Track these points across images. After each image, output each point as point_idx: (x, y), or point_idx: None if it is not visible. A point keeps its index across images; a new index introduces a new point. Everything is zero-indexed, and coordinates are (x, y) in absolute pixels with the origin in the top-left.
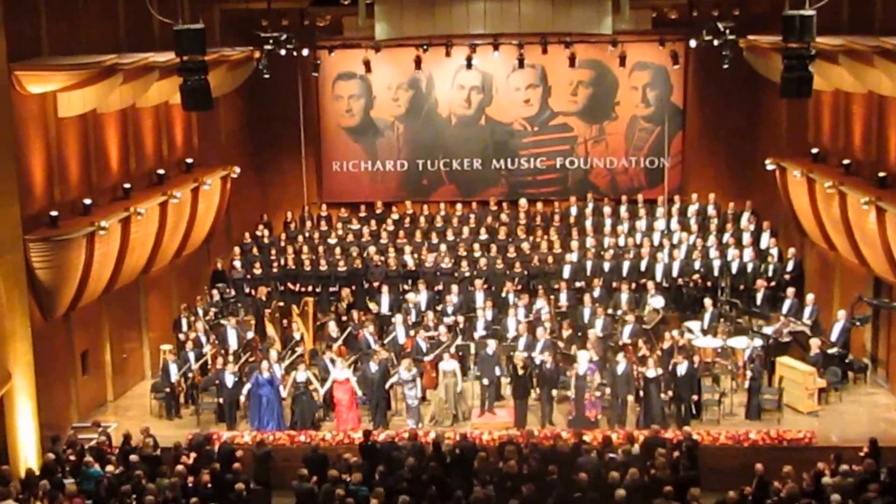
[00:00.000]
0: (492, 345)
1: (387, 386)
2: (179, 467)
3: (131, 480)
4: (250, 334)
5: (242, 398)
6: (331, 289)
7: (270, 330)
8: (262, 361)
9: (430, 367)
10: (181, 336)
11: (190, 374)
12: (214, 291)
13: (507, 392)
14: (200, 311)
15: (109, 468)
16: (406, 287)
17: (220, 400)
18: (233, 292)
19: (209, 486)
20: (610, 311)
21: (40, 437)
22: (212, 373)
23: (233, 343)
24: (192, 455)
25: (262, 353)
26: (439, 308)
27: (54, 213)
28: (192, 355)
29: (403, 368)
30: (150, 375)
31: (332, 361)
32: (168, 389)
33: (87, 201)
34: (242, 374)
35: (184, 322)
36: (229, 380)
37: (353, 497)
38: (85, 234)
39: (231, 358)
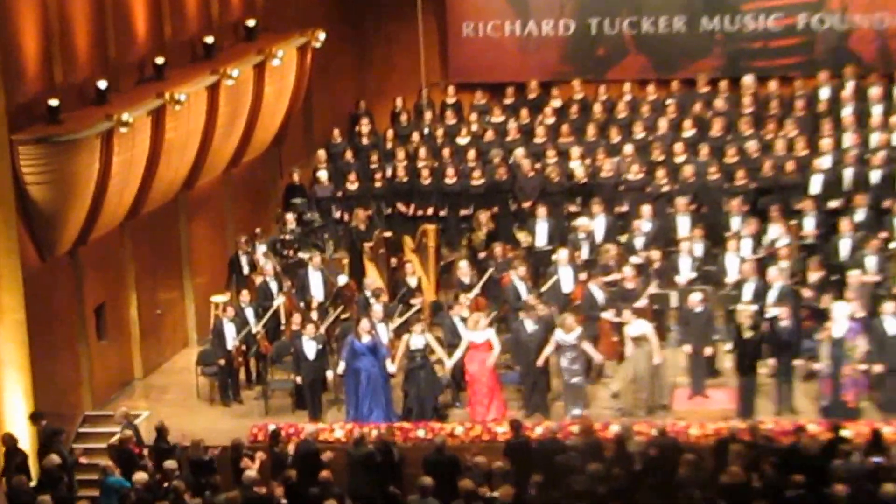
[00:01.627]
0: (702, 294)
1: (542, 357)
2: (246, 474)
3: (169, 495)
4: (343, 279)
5: (331, 375)
6: (462, 212)
7: (372, 273)
8: (360, 320)
9: (610, 329)
10: (240, 283)
11: (254, 339)
12: (289, 216)
13: (727, 365)
14: (267, 246)
15: (139, 476)
16: (573, 208)
17: (299, 378)
18: (316, 216)
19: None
20: (881, 242)
21: (37, 430)
22: (286, 337)
23: (317, 292)
24: (259, 458)
25: (359, 308)
26: (623, 239)
27: (54, 103)
28: (252, 313)
29: (565, 330)
30: (197, 341)
31: (464, 320)
32: (222, 362)
33: (102, 84)
34: (331, 338)
35: (244, 261)
36: (311, 348)
37: None
38: (98, 132)
39: (314, 315)
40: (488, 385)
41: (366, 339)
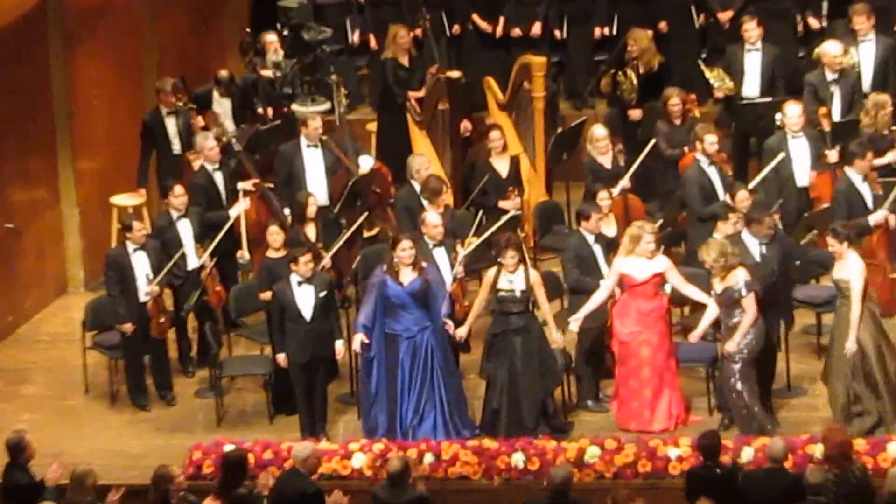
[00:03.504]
0: None
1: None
2: None
3: None
4: (367, 161)
5: (342, 348)
6: (593, 29)
7: (423, 146)
8: (398, 242)
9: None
10: (165, 171)
11: (192, 281)
12: (269, 37)
13: None
14: (223, 89)
15: None
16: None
17: (280, 357)
18: (324, 32)
19: None
20: None
21: None
22: (254, 276)
23: (316, 186)
24: None
25: (398, 217)
26: None
27: None
28: (189, 231)
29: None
30: (84, 283)
31: (603, 241)
32: (129, 326)
33: None
34: (344, 278)
35: (171, 128)
36: (305, 297)
37: None
38: None
39: (311, 231)
40: (657, 365)
41: (409, 277)
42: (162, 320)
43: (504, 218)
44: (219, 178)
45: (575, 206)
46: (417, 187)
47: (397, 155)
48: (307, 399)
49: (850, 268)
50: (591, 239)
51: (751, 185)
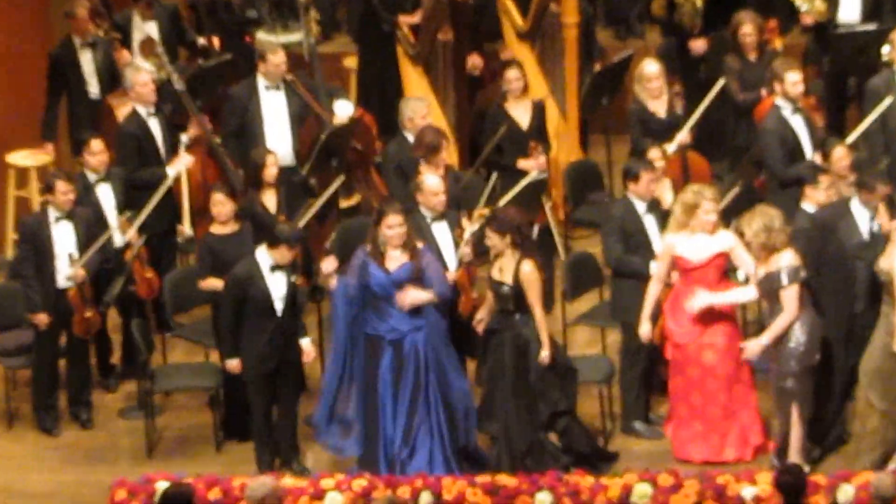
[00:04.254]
0: None
1: None
2: None
3: None
4: (344, 107)
5: (311, 348)
6: None
7: (420, 88)
8: (385, 214)
9: None
10: (79, 120)
11: (118, 263)
12: None
13: None
14: (137, 20)
15: None
16: None
17: (233, 362)
18: None
19: None
20: None
21: None
22: (197, 257)
23: (277, 140)
24: None
25: (388, 183)
26: None
27: None
28: (112, 197)
29: None
30: None
31: (658, 211)
32: (44, 318)
33: None
34: (317, 262)
35: (86, 65)
36: (276, 286)
37: None
38: None
39: (270, 200)
40: (726, 375)
41: (398, 262)
42: (88, 314)
43: (524, 182)
44: (155, 125)
45: (618, 166)
46: (411, 141)
47: (384, 99)
48: (269, 420)
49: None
50: (641, 207)
51: (849, 139)
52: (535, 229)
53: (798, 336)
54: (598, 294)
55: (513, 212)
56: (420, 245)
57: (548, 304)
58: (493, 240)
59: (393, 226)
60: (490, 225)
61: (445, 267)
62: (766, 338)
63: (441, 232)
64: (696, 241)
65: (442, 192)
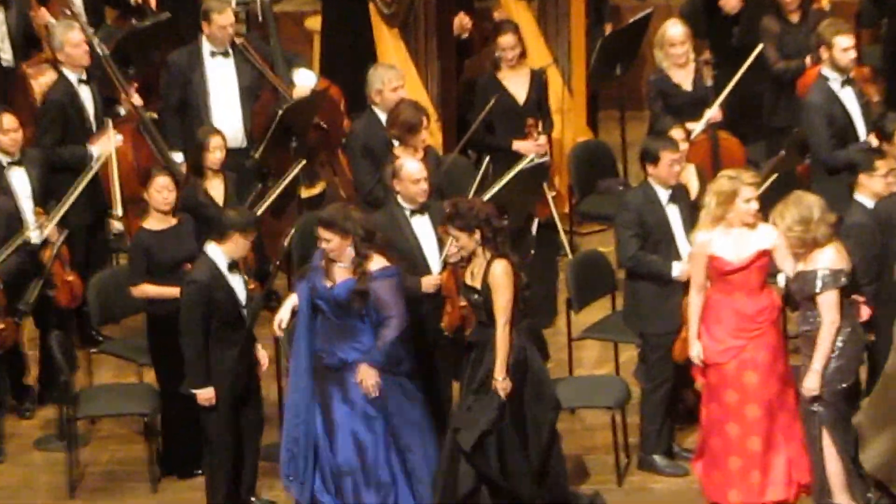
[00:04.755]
0: None
1: None
2: None
3: None
4: (305, 77)
5: (265, 358)
6: None
7: (396, 54)
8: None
9: None
10: None
11: (34, 266)
12: None
13: None
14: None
15: None
16: None
17: (207, 392)
18: None
19: None
20: None
21: None
22: (129, 259)
23: (225, 118)
24: None
25: (351, 161)
26: None
27: None
28: (27, 176)
29: None
30: None
31: (681, 202)
32: None
33: None
34: (274, 268)
35: None
36: (240, 289)
37: None
38: None
39: (216, 189)
40: (769, 401)
41: (342, 276)
42: (1, 326)
43: (518, 167)
44: (86, 95)
45: (634, 148)
46: (383, 118)
47: (354, 68)
48: (217, 453)
49: None
50: (662, 195)
51: None
52: (535, 224)
53: (843, 350)
54: (611, 302)
55: (478, 203)
56: (380, 268)
57: (549, 315)
58: (460, 240)
59: (327, 240)
60: (452, 222)
61: (398, 305)
62: (817, 363)
63: (422, 227)
64: (734, 237)
65: (424, 180)
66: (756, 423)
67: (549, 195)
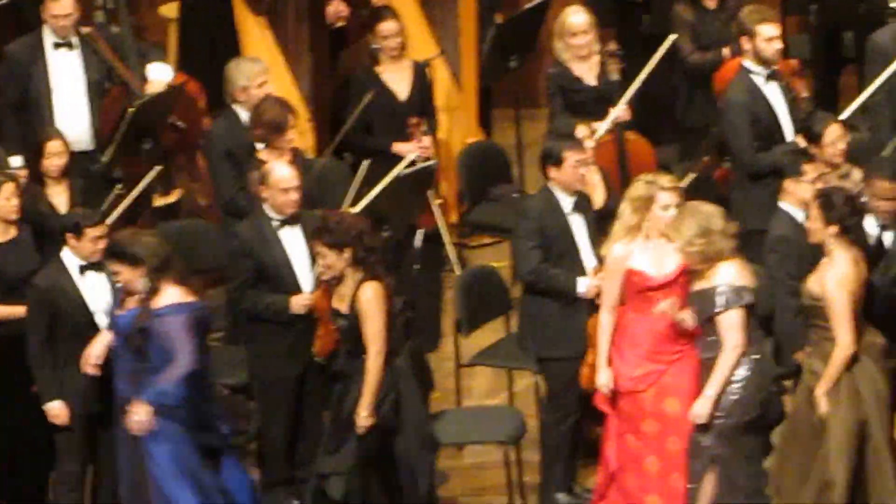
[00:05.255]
0: None
1: None
2: None
3: None
4: (164, 76)
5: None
6: None
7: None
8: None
9: None
10: None
11: None
12: None
13: None
14: None
15: None
16: None
17: (57, 406)
18: None
19: None
20: None
21: None
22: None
23: (71, 117)
24: None
25: (211, 165)
26: None
27: None
28: None
29: None
30: None
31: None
32: None
33: None
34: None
35: None
36: (97, 291)
37: None
38: None
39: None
40: (691, 429)
41: (131, 304)
42: None
43: (397, 170)
44: None
45: (531, 150)
46: (245, 117)
47: (215, 61)
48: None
49: (827, 274)
50: (566, 203)
51: (844, 115)
52: (419, 236)
53: (743, 377)
54: (504, 324)
55: (349, 217)
56: (171, 300)
57: (434, 338)
58: (328, 258)
59: (119, 272)
60: (320, 238)
61: (182, 343)
62: (710, 389)
63: (292, 240)
64: (653, 249)
65: (294, 188)
66: (678, 456)
67: (435, 203)
